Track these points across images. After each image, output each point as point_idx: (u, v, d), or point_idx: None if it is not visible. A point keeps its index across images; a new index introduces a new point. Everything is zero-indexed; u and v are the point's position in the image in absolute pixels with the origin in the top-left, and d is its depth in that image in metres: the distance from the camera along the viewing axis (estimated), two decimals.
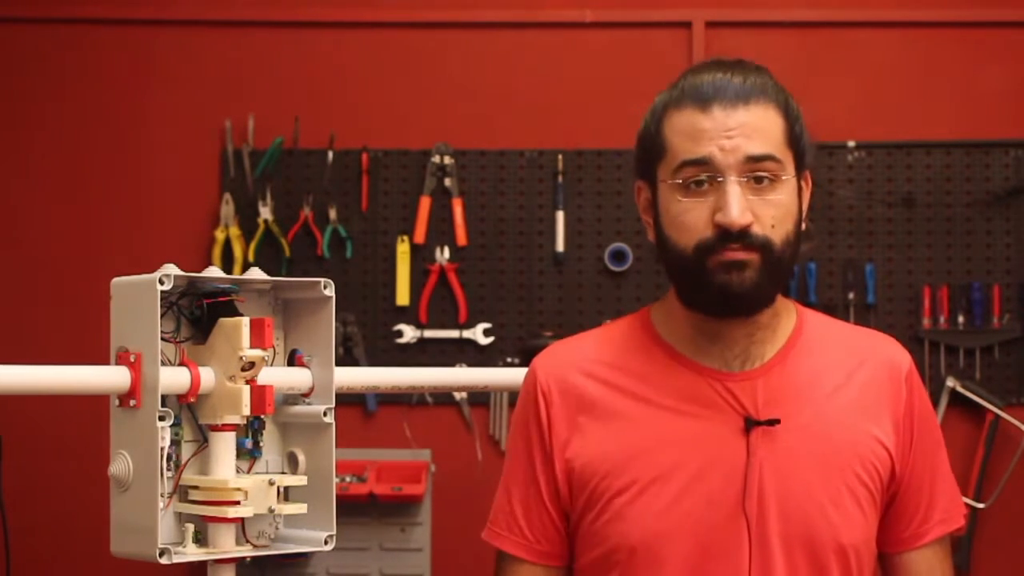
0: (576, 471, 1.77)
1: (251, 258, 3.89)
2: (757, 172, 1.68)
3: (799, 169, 1.74)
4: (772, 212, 1.68)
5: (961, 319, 3.88)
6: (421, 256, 3.96)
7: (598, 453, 1.76)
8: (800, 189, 1.74)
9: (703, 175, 1.69)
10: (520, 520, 1.83)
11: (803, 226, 1.76)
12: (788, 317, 1.81)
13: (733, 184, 1.67)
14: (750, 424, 1.72)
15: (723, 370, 1.76)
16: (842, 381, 1.78)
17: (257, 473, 1.74)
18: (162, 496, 1.63)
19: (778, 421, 1.72)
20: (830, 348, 1.81)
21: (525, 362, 3.83)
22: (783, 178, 1.69)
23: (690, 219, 1.69)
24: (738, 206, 1.66)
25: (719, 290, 1.69)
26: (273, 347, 1.77)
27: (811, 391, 1.76)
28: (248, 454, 1.74)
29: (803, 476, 1.72)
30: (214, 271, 1.70)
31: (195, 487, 1.67)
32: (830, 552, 1.72)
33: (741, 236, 1.67)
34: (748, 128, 1.68)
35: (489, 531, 1.87)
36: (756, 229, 1.68)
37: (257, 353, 1.65)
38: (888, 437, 1.76)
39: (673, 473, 1.72)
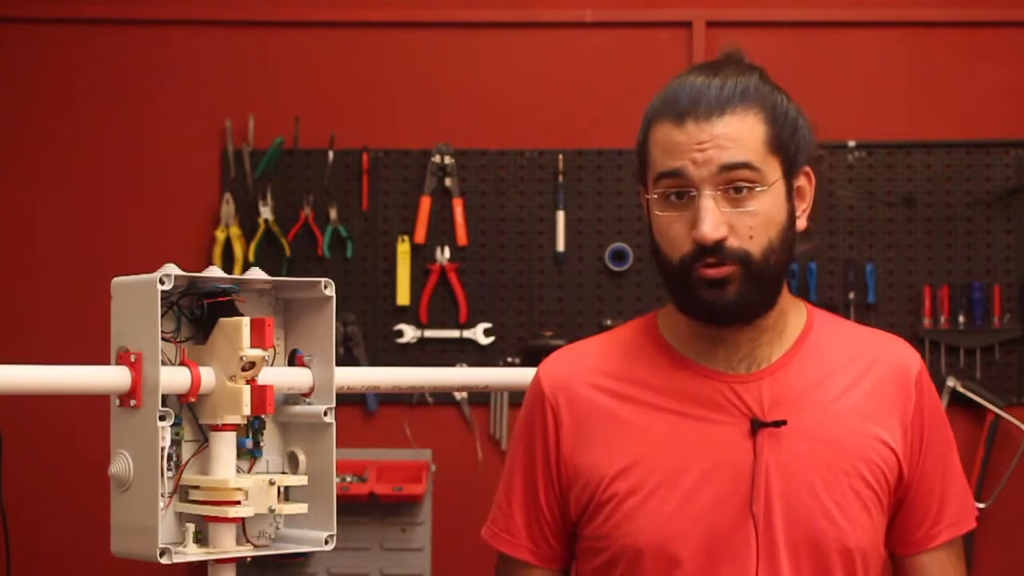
0: (583, 477, 1.77)
1: (251, 258, 3.89)
2: (733, 182, 1.67)
3: (789, 172, 1.72)
4: (750, 223, 1.68)
5: (961, 319, 3.88)
6: (421, 256, 3.96)
7: (605, 459, 1.75)
8: (790, 191, 1.73)
9: (680, 188, 1.69)
10: (520, 524, 1.83)
11: (802, 224, 1.75)
12: (797, 317, 1.80)
13: (707, 199, 1.67)
14: (756, 426, 1.72)
15: (728, 372, 1.76)
16: (850, 383, 1.77)
17: (257, 473, 1.74)
18: (162, 496, 1.63)
19: (784, 422, 1.72)
20: (839, 350, 1.80)
21: (526, 362, 3.87)
22: (761, 188, 1.68)
23: (673, 232, 1.70)
24: (711, 221, 1.66)
25: (704, 306, 1.70)
26: (273, 347, 1.77)
27: (818, 393, 1.76)
28: (248, 454, 1.74)
29: (808, 478, 1.72)
30: (214, 271, 1.70)
31: (195, 487, 1.67)
32: (835, 554, 1.72)
33: (716, 250, 1.67)
34: (722, 139, 1.68)
35: (489, 531, 1.87)
36: (732, 242, 1.67)
37: (257, 353, 1.65)
38: (896, 440, 1.76)
39: (681, 476, 1.72)
